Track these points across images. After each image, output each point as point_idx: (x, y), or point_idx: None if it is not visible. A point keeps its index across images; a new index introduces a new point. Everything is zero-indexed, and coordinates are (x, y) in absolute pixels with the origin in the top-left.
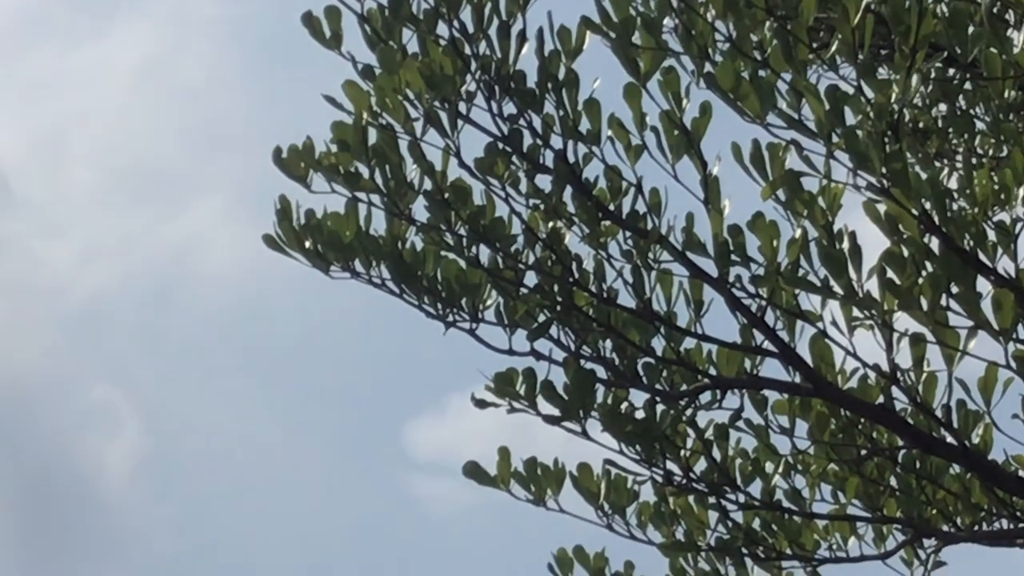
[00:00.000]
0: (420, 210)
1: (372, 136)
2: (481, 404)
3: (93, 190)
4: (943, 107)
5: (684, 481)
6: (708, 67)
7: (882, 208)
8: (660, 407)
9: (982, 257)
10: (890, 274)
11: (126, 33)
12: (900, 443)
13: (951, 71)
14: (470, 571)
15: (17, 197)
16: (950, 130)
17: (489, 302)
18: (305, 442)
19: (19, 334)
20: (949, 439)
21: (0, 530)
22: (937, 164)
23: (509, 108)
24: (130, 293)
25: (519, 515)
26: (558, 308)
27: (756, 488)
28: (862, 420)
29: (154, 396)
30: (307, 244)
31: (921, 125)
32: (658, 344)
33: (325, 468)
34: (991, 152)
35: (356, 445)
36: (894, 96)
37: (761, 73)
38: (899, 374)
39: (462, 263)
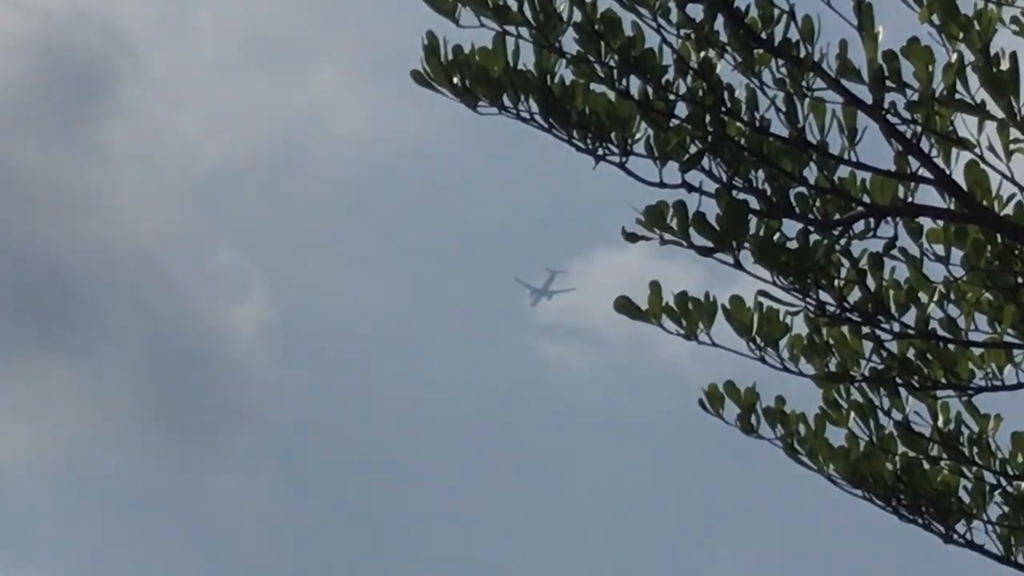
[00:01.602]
0: (569, 42)
1: None
2: (632, 237)
3: (219, 59)
4: None
5: (838, 311)
6: None
7: None
8: (813, 237)
9: None
10: None
11: None
12: None
13: None
14: (596, 432)
15: (145, 68)
16: None
17: (639, 134)
18: (432, 306)
19: (148, 201)
20: None
21: (133, 394)
22: None
23: None
24: (256, 159)
25: (643, 377)
26: (709, 139)
27: (910, 317)
28: (1019, 247)
29: (281, 261)
30: (455, 80)
31: None
32: (811, 173)
33: (451, 332)
34: None
35: (482, 310)
36: None
37: None
38: None
39: (612, 95)
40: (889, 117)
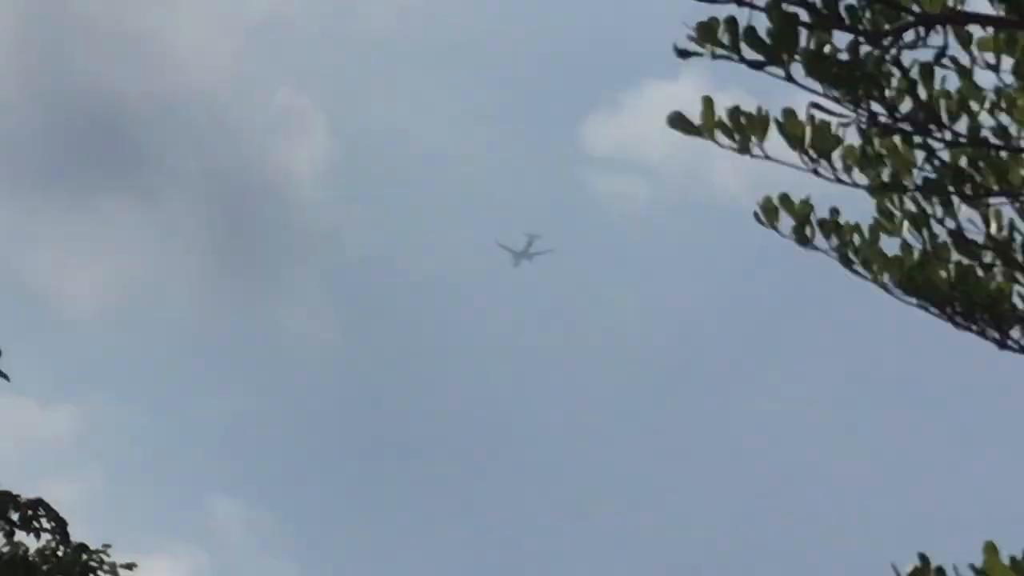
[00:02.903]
0: None
1: None
2: (683, 54)
3: None
4: None
5: (889, 122)
6: None
7: None
8: (864, 48)
9: None
10: None
11: None
12: None
13: None
14: (649, 264)
15: None
16: None
17: None
18: (487, 142)
19: (208, 43)
20: None
21: (197, 232)
22: None
23: None
24: (313, 1)
25: (697, 209)
26: None
27: (962, 126)
28: None
29: (339, 101)
30: None
31: None
32: None
33: (506, 167)
34: None
35: (535, 143)
36: None
37: None
38: None
39: None
40: None
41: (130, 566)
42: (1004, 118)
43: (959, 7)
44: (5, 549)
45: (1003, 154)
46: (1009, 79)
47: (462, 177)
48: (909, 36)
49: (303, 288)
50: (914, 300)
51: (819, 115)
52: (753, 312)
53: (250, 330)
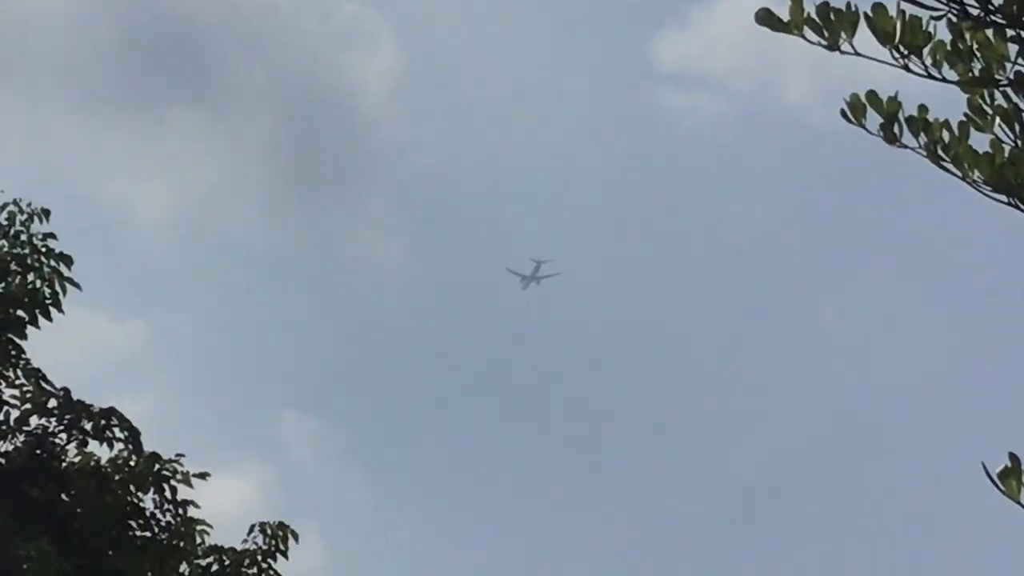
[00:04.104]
0: None
1: None
2: None
3: None
4: None
5: (982, 14)
6: None
7: None
8: None
9: None
10: None
11: None
12: None
13: None
14: (719, 181)
15: None
16: None
17: None
18: (557, 62)
19: None
20: None
21: (265, 149)
22: None
23: None
24: None
25: (769, 124)
26: None
27: None
28: None
29: (408, 15)
30: None
31: None
32: None
33: (576, 87)
34: None
35: (604, 60)
36: None
37: None
38: None
39: None
40: None
41: (204, 475)
42: None
43: None
44: (77, 459)
45: None
46: None
47: (531, 94)
48: None
49: (370, 204)
50: (1004, 198)
51: (910, 9)
52: (816, 234)
53: (317, 245)
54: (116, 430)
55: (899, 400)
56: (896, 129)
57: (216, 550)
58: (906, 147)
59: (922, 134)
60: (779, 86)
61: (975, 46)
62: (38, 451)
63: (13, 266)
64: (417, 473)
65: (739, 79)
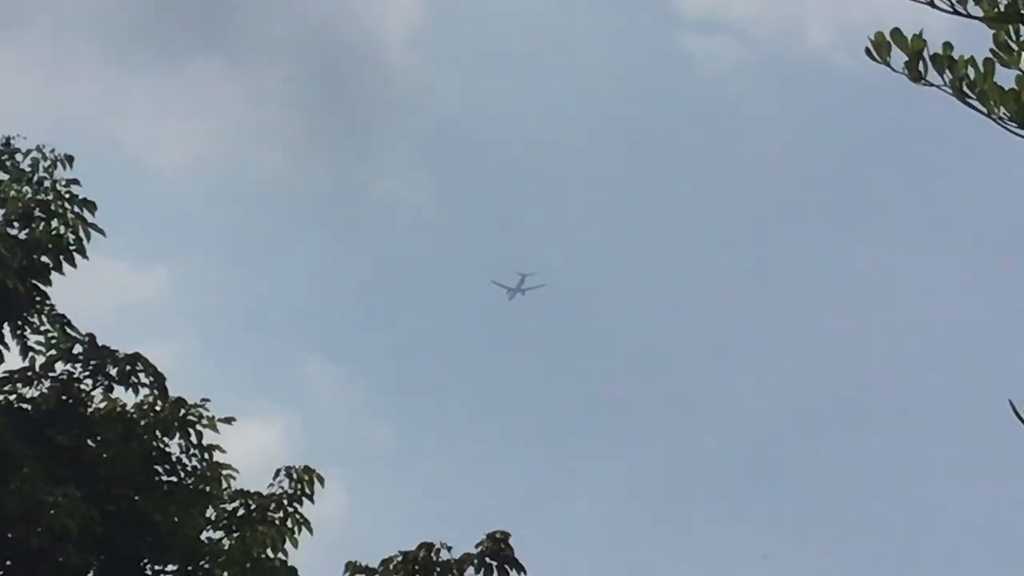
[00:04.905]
0: None
1: None
2: None
3: None
4: None
5: None
6: None
7: None
8: None
9: None
10: None
11: None
12: None
13: None
14: (741, 127)
15: None
16: None
17: None
18: (579, 6)
19: None
20: None
21: (289, 98)
22: None
23: None
24: None
25: (790, 69)
26: None
27: None
28: None
29: None
30: None
31: None
32: None
33: (598, 31)
34: None
35: (626, 5)
36: None
37: None
38: None
39: None
40: None
41: (229, 420)
42: None
43: None
44: (103, 405)
45: None
46: None
47: (553, 41)
48: None
49: (395, 156)
50: None
51: None
52: (838, 179)
53: (341, 193)
54: (141, 376)
55: (924, 341)
56: (921, 67)
57: (242, 494)
58: (931, 85)
59: (947, 71)
60: (800, 30)
61: None
62: (64, 397)
63: (37, 212)
64: (439, 420)
65: (760, 25)
